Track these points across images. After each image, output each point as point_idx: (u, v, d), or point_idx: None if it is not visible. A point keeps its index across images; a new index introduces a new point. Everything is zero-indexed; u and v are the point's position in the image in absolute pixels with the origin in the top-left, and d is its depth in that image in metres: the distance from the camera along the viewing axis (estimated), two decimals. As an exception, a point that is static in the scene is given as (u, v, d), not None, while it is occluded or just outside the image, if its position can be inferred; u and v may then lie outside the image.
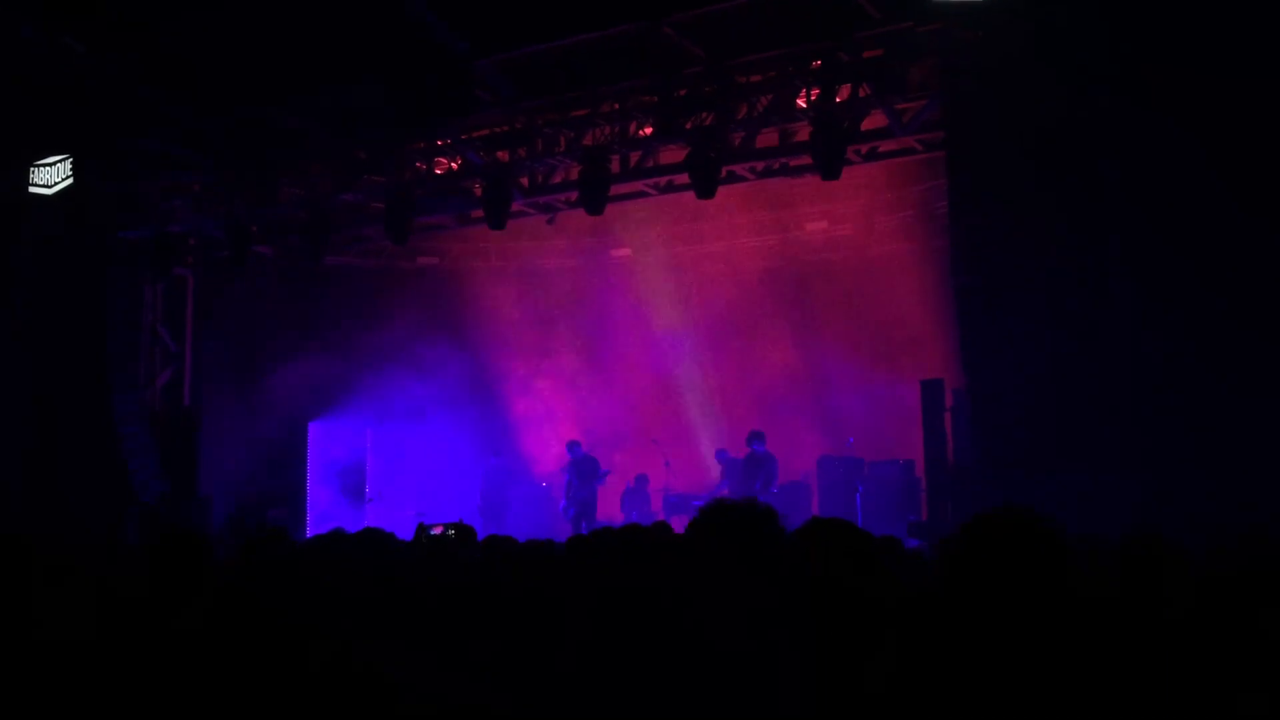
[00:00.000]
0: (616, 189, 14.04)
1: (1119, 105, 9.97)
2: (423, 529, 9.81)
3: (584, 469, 15.96)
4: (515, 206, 14.77)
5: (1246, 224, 9.39)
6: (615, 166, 13.98)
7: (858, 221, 16.98)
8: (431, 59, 13.32)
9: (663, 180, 14.61)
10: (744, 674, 2.58)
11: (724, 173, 13.28)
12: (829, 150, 12.13)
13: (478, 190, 14.70)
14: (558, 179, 14.78)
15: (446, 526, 9.79)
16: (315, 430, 17.50)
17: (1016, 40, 10.42)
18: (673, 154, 13.71)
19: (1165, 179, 9.76)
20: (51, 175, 16.02)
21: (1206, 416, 9.49)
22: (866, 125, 12.64)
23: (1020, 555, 2.50)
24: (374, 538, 5.35)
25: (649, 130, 13.35)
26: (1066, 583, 2.50)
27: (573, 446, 16.30)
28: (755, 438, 15.08)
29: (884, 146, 13.49)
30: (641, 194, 15.14)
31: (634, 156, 14.11)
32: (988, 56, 10.69)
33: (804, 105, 12.39)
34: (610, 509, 17.00)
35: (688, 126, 12.78)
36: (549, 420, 18.59)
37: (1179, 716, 2.70)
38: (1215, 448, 9.34)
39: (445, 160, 15.07)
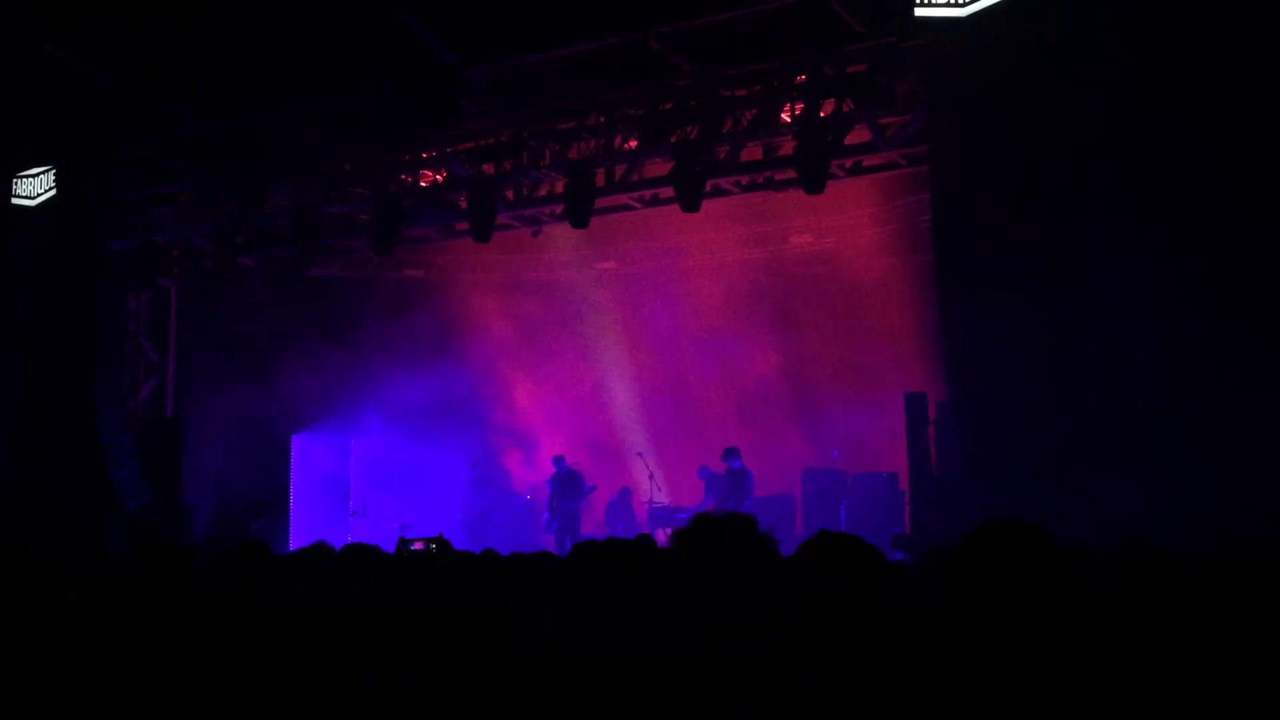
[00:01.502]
0: (601, 202, 14.05)
1: (1105, 113, 10.03)
2: (404, 543, 9.80)
3: (568, 483, 15.94)
4: (500, 219, 14.77)
5: (1244, 224, 9.41)
6: (600, 179, 14.00)
7: (842, 235, 17.03)
8: (419, 70, 13.34)
9: (648, 193, 14.61)
10: (728, 689, 2.58)
11: (709, 186, 13.31)
12: (813, 164, 12.18)
13: (463, 203, 14.69)
14: (543, 192, 14.78)
15: (427, 541, 9.78)
16: (299, 442, 17.44)
17: (1000, 54, 10.49)
18: (658, 167, 13.73)
19: (1156, 185, 9.81)
20: (35, 186, 15.98)
21: (1201, 422, 9.51)
22: (850, 139, 12.69)
23: (1028, 567, 2.52)
24: (358, 551, 5.33)
25: (634, 143, 13.39)
26: (1072, 594, 2.53)
27: (558, 461, 16.29)
28: (731, 454, 15.01)
29: (868, 161, 13.55)
30: (627, 207, 15.16)
31: (619, 169, 14.14)
32: (971, 70, 10.76)
33: (788, 119, 12.44)
34: (594, 522, 16.98)
35: (673, 140, 12.81)
36: (533, 433, 18.56)
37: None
38: (1211, 453, 9.36)
39: (431, 172, 15.07)
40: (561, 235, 16.40)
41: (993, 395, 10.53)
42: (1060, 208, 10.29)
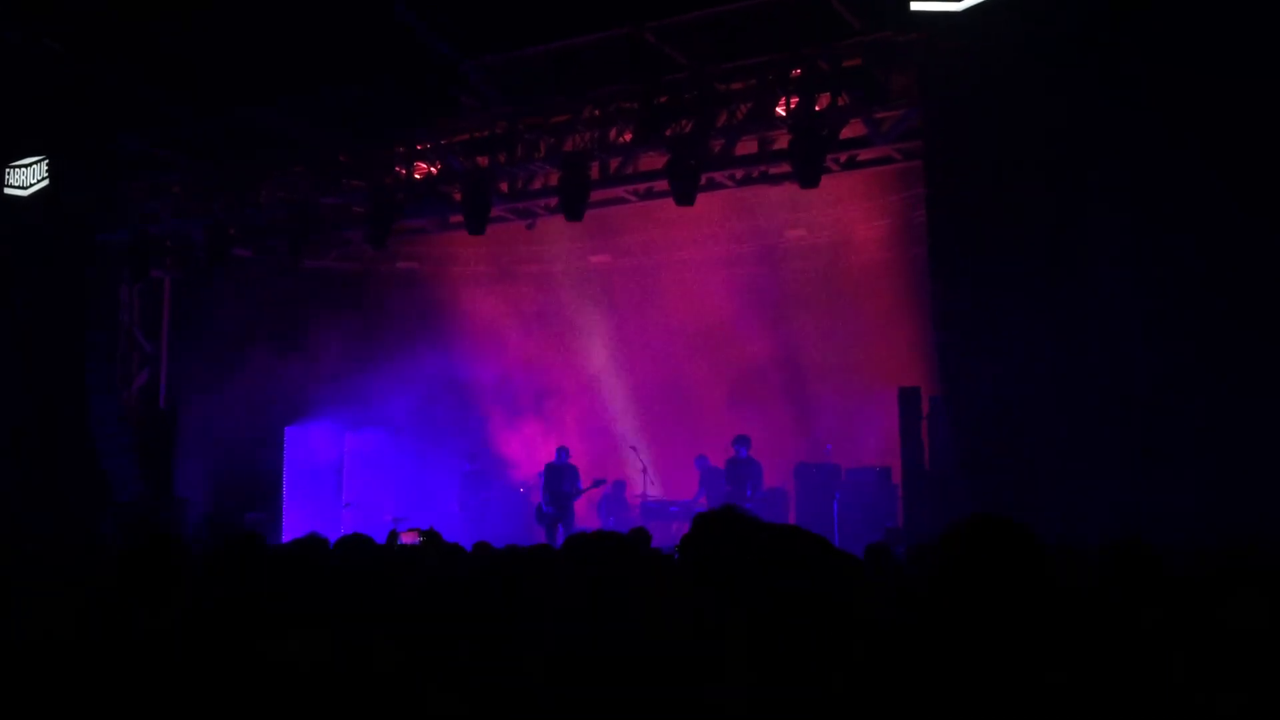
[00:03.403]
0: (596, 195, 14.04)
1: (1102, 110, 10.03)
2: (394, 535, 9.83)
3: (563, 475, 15.87)
4: (495, 212, 14.76)
5: (1244, 224, 9.39)
6: (595, 172, 13.99)
7: (836, 230, 17.03)
8: (415, 62, 13.32)
9: (642, 187, 14.61)
10: (718, 687, 2.59)
11: (704, 180, 13.31)
12: (808, 158, 12.17)
13: (458, 195, 14.68)
14: (537, 184, 14.77)
15: (420, 533, 9.79)
16: (292, 434, 17.43)
17: (995, 50, 10.49)
18: (652, 160, 13.72)
19: (1154, 183, 9.79)
20: (27, 177, 15.95)
21: (1198, 421, 9.49)
22: (845, 134, 12.68)
23: (1000, 561, 2.53)
24: (353, 543, 5.35)
25: (629, 136, 13.37)
26: (1046, 588, 2.54)
27: (560, 451, 16.17)
28: (741, 441, 15.04)
29: (863, 155, 13.54)
30: (621, 200, 15.15)
31: (614, 163, 14.12)
32: (967, 66, 10.76)
33: (783, 113, 12.44)
34: (587, 515, 16.99)
35: (668, 133, 12.80)
36: (527, 425, 18.57)
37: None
38: (1208, 453, 9.35)
39: (425, 165, 15.06)
40: (556, 228, 16.38)
41: (987, 392, 10.54)
42: (1056, 204, 10.28)
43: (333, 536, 5.59)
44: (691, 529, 3.16)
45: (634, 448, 16.78)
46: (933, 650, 2.46)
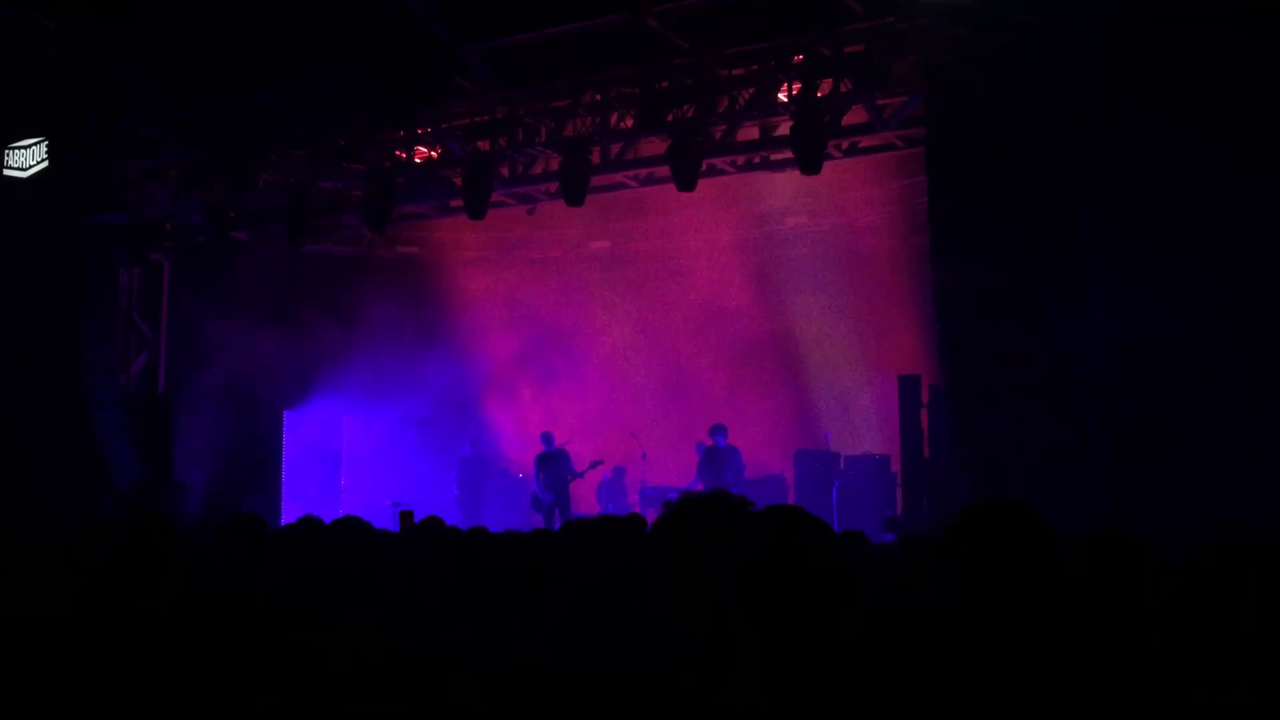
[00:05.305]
0: (597, 180, 14.03)
1: (1103, 101, 9.98)
2: (409, 515, 9.83)
3: (556, 461, 15.80)
4: (495, 196, 14.72)
5: (1246, 216, 9.37)
6: (596, 157, 13.96)
7: (838, 216, 17.01)
8: (414, 45, 13.27)
9: (643, 172, 14.58)
10: (704, 655, 2.59)
11: (705, 166, 13.28)
12: (809, 144, 12.15)
13: (458, 179, 14.64)
14: (538, 169, 14.73)
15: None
16: (291, 419, 17.43)
17: (998, 36, 10.44)
18: (654, 146, 13.69)
19: (1157, 174, 9.75)
20: (27, 158, 15.89)
21: (1197, 418, 9.48)
22: (847, 120, 12.65)
23: (1018, 549, 2.52)
24: (350, 525, 5.34)
25: (630, 121, 13.34)
26: (1061, 577, 2.53)
27: (546, 438, 16.08)
28: (718, 430, 14.97)
29: (865, 142, 13.52)
30: (622, 186, 15.13)
31: (615, 148, 14.09)
32: (970, 52, 10.71)
33: (785, 99, 12.41)
34: (586, 501, 16.98)
35: (669, 118, 12.77)
36: (526, 411, 18.56)
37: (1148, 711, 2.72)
38: (1206, 449, 9.33)
39: (425, 149, 15.02)
40: (557, 213, 16.35)
41: (988, 380, 10.52)
42: (1059, 192, 10.24)
43: (330, 520, 5.57)
44: (675, 507, 3.13)
45: (633, 433, 16.76)
46: (947, 636, 2.45)
